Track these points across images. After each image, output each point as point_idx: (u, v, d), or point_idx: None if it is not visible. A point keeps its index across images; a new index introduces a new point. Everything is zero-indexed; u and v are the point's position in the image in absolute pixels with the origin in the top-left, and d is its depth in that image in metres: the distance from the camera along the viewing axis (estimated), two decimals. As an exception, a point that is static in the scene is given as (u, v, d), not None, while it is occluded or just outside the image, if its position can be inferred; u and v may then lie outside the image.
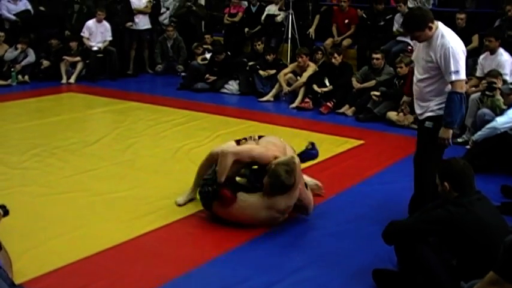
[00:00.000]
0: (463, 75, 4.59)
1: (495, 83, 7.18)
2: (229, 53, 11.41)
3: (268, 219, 4.94)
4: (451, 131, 4.68)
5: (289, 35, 11.36)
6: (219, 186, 4.92)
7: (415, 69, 4.92)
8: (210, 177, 5.08)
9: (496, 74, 7.35)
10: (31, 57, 11.61)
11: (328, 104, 9.54)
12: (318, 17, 11.80)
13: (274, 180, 4.77)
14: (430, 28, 4.60)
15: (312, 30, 11.64)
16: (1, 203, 3.95)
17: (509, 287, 2.97)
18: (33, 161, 6.66)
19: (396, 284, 4.02)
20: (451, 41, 4.58)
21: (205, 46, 12.10)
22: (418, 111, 4.91)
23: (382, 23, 10.83)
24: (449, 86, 4.62)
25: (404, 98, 8.45)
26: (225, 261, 4.45)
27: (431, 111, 4.75)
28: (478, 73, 8.12)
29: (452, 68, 4.53)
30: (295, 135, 7.64)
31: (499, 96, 7.06)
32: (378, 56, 9.39)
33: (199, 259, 4.43)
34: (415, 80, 4.88)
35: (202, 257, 4.47)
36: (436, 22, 4.66)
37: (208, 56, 11.58)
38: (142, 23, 12.54)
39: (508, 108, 6.63)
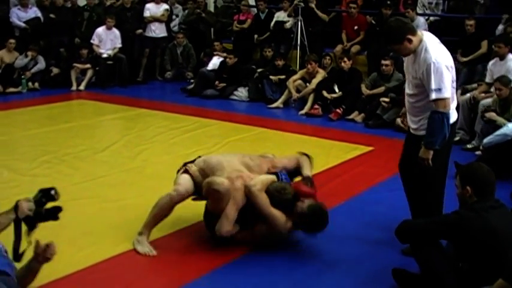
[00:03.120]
0: (446, 93, 4.20)
1: (494, 120, 7.07)
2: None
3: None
4: (431, 152, 4.30)
5: (298, 42, 11.37)
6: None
7: (406, 83, 4.63)
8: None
9: (507, 81, 7.26)
10: (41, 64, 11.67)
11: (338, 110, 9.53)
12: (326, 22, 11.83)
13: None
14: (410, 40, 4.26)
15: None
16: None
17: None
18: (42, 168, 6.69)
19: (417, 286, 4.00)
20: (433, 55, 4.21)
21: (214, 53, 12.10)
22: (412, 125, 4.57)
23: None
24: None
25: (404, 110, 8.35)
26: (238, 266, 4.46)
27: (425, 129, 4.37)
28: (488, 79, 8.09)
29: (433, 86, 4.18)
30: (305, 142, 7.65)
31: (500, 121, 6.96)
32: (387, 62, 9.36)
33: (209, 266, 4.44)
34: (405, 93, 4.58)
35: (212, 263, 4.47)
36: (419, 33, 4.34)
37: (216, 59, 11.62)
38: (159, 30, 12.66)
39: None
